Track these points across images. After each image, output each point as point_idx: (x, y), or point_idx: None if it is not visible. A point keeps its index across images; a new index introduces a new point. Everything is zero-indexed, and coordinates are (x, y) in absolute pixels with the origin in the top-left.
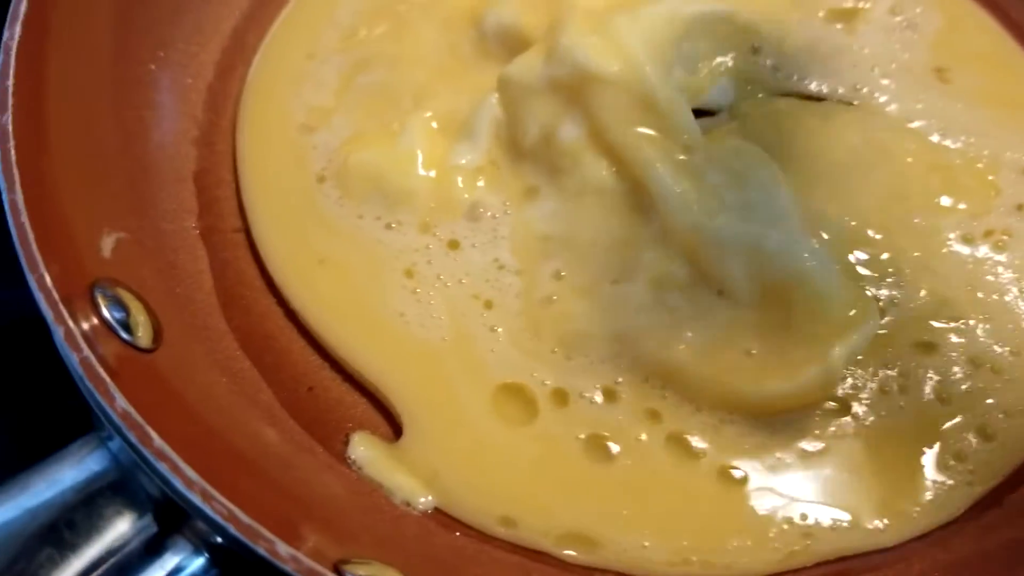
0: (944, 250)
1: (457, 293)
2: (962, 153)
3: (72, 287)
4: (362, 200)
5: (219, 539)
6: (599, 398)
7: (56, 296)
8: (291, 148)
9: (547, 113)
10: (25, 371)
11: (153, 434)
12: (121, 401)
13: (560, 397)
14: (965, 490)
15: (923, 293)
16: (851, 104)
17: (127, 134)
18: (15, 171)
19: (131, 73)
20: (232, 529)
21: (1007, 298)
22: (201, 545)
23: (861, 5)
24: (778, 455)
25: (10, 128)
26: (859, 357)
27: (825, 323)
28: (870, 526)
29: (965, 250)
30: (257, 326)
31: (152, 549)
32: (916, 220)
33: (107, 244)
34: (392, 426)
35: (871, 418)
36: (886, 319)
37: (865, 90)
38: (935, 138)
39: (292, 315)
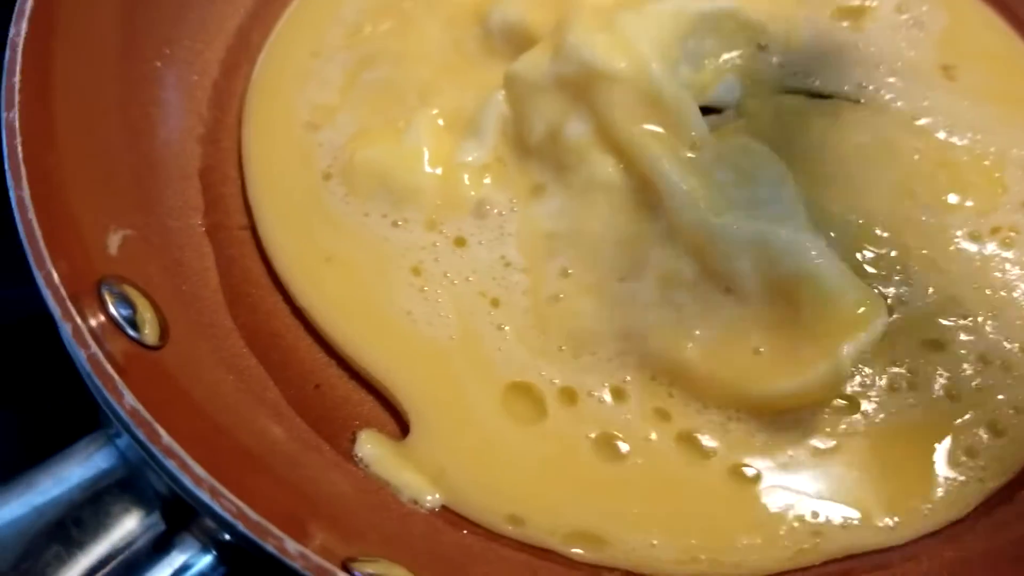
0: (952, 247)
1: (464, 291)
2: (969, 150)
3: (79, 284)
4: (368, 197)
5: (227, 536)
6: (608, 397)
7: (64, 293)
8: (296, 145)
9: (553, 110)
10: (32, 369)
11: (161, 431)
12: (129, 398)
13: (569, 396)
14: (976, 486)
15: (931, 291)
16: (858, 102)
17: (133, 131)
18: (22, 167)
19: (137, 70)
20: (241, 526)
21: (1015, 294)
22: (209, 543)
23: (868, 3)
24: (788, 453)
25: (17, 124)
26: (867, 355)
27: (833, 321)
28: (880, 524)
29: (972, 247)
30: (263, 324)
31: (160, 547)
32: (923, 218)
33: (113, 241)
34: (399, 424)
35: (881, 415)
36: (894, 317)
37: (871, 88)
38: (942, 135)
39: (298, 313)
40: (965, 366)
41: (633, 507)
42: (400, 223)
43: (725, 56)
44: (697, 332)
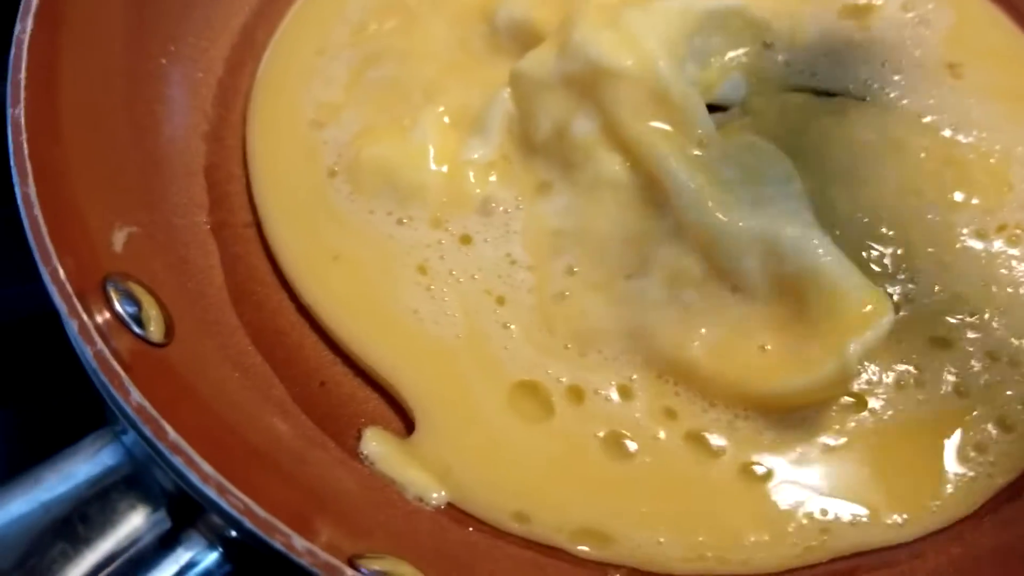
0: (958, 245)
1: (470, 289)
2: (975, 148)
3: (85, 281)
4: (373, 195)
5: (234, 533)
6: (615, 395)
7: (69, 289)
8: (301, 143)
9: (560, 108)
10: (37, 366)
11: (168, 428)
12: (136, 395)
13: (576, 394)
14: (985, 482)
15: (937, 288)
16: (863, 100)
17: (138, 128)
18: (28, 164)
19: (142, 67)
20: (248, 523)
21: (1022, 291)
22: (215, 540)
23: (874, 1)
24: (797, 451)
25: (23, 121)
26: (874, 353)
27: (840, 319)
28: (889, 521)
29: (979, 245)
30: (268, 321)
31: (166, 543)
32: (929, 215)
33: (118, 238)
34: (404, 421)
35: (889, 412)
36: (901, 314)
37: (877, 86)
38: (947, 133)
39: (303, 310)
40: (973, 363)
41: (641, 505)
42: (405, 221)
43: (731, 54)
44: (703, 330)
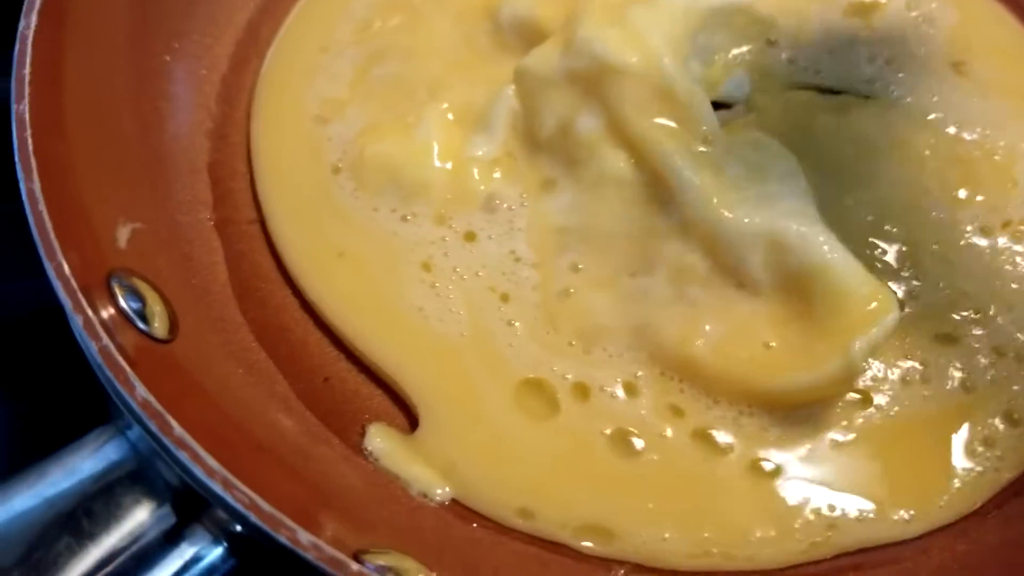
0: (963, 242)
1: (474, 286)
2: (979, 145)
3: (90, 276)
4: (377, 192)
5: (239, 528)
6: (620, 392)
7: (74, 285)
8: (306, 140)
9: (564, 105)
10: (41, 362)
11: (173, 422)
12: (141, 390)
13: (581, 391)
14: (993, 476)
15: (942, 285)
16: (867, 97)
17: (142, 125)
18: (32, 160)
19: (146, 64)
20: (253, 517)
21: None
22: (219, 535)
23: None
24: (804, 447)
25: (27, 116)
26: (879, 350)
27: (845, 316)
28: (895, 517)
29: (983, 242)
30: (272, 318)
31: (170, 538)
32: (934, 213)
33: (123, 234)
34: (408, 417)
35: (895, 408)
36: (906, 311)
37: (881, 83)
38: (952, 131)
39: (307, 307)
40: (979, 358)
41: (647, 502)
42: (409, 218)
43: (735, 51)
44: (708, 327)
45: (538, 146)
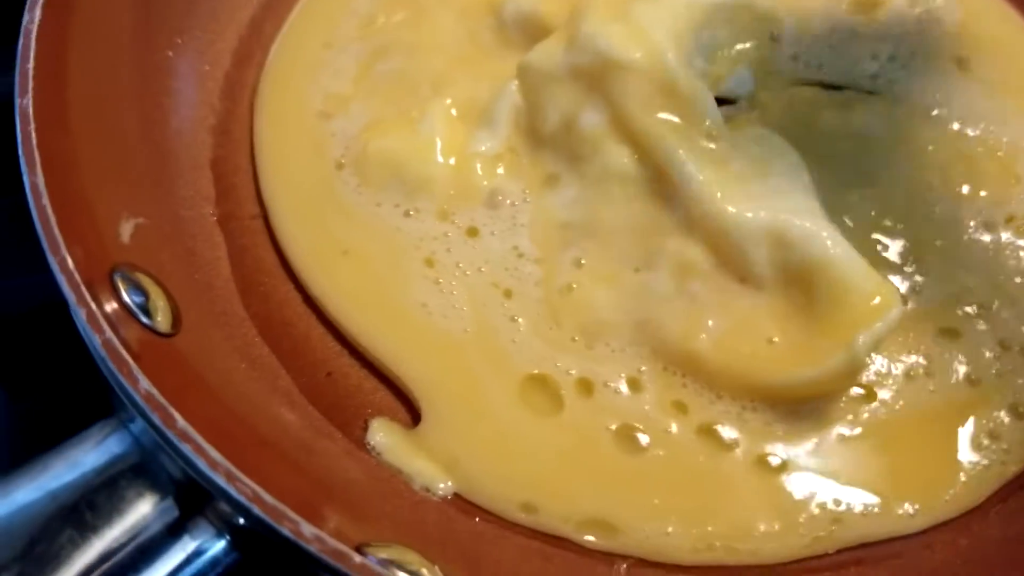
0: (966, 237)
1: (477, 282)
2: (982, 141)
3: (93, 270)
4: (380, 187)
5: (242, 521)
6: (624, 387)
7: (78, 278)
8: (309, 135)
9: (568, 100)
10: (45, 357)
11: (176, 415)
12: (144, 382)
13: (585, 387)
14: (999, 470)
15: (946, 280)
16: (871, 93)
17: (145, 120)
18: (36, 153)
19: (149, 59)
20: (257, 510)
21: None
22: (223, 528)
23: None
24: (808, 441)
25: (31, 111)
26: (882, 345)
27: (848, 311)
28: (900, 511)
29: (987, 237)
30: (275, 313)
31: (173, 531)
32: (937, 208)
33: (126, 229)
34: (411, 412)
35: (900, 403)
36: (909, 306)
37: (885, 79)
38: (955, 127)
39: (310, 302)
40: (984, 352)
41: (653, 497)
42: (412, 213)
43: (738, 47)
44: (711, 322)
45: (541, 142)
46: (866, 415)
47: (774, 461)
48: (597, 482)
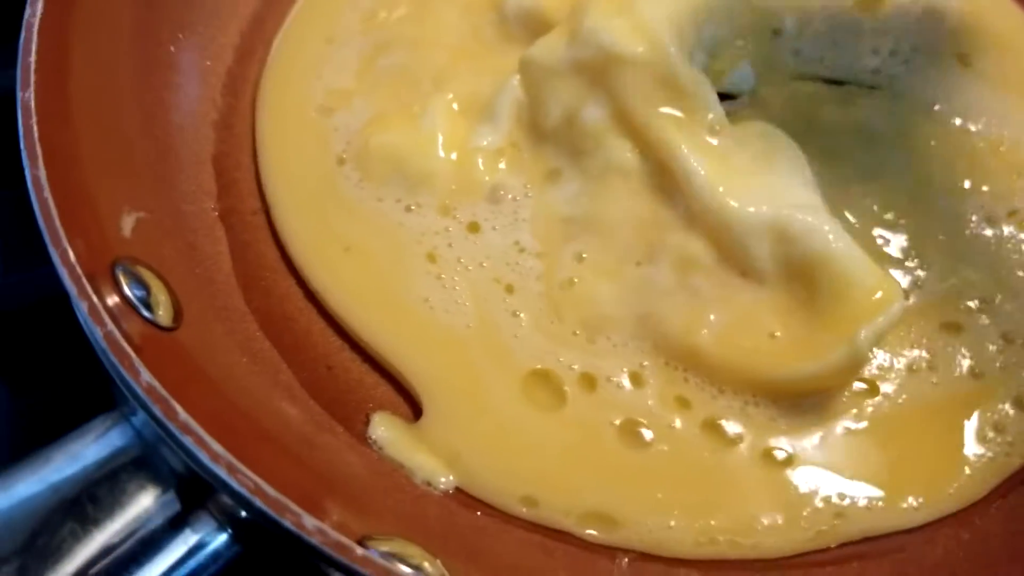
0: (968, 231)
1: (478, 277)
2: (984, 136)
3: (95, 263)
4: (382, 182)
5: (244, 513)
6: (627, 382)
7: (80, 271)
8: (311, 130)
9: (570, 95)
10: (46, 351)
11: (178, 408)
12: (146, 375)
13: (588, 382)
14: (1004, 462)
15: (948, 274)
16: (873, 88)
17: (147, 115)
18: (38, 146)
19: (151, 54)
20: (259, 502)
21: None
22: (224, 521)
23: None
24: (813, 436)
25: (33, 104)
26: (884, 339)
27: (850, 305)
28: (904, 505)
29: (989, 231)
30: (276, 307)
31: (175, 525)
32: (939, 203)
33: (127, 223)
34: (412, 406)
35: (903, 396)
36: (911, 301)
37: (887, 74)
38: (957, 122)
39: (311, 297)
40: (988, 345)
41: (656, 492)
42: (414, 208)
43: (739, 42)
44: (712, 317)
45: (543, 136)
46: (870, 409)
47: (780, 455)
48: (600, 476)
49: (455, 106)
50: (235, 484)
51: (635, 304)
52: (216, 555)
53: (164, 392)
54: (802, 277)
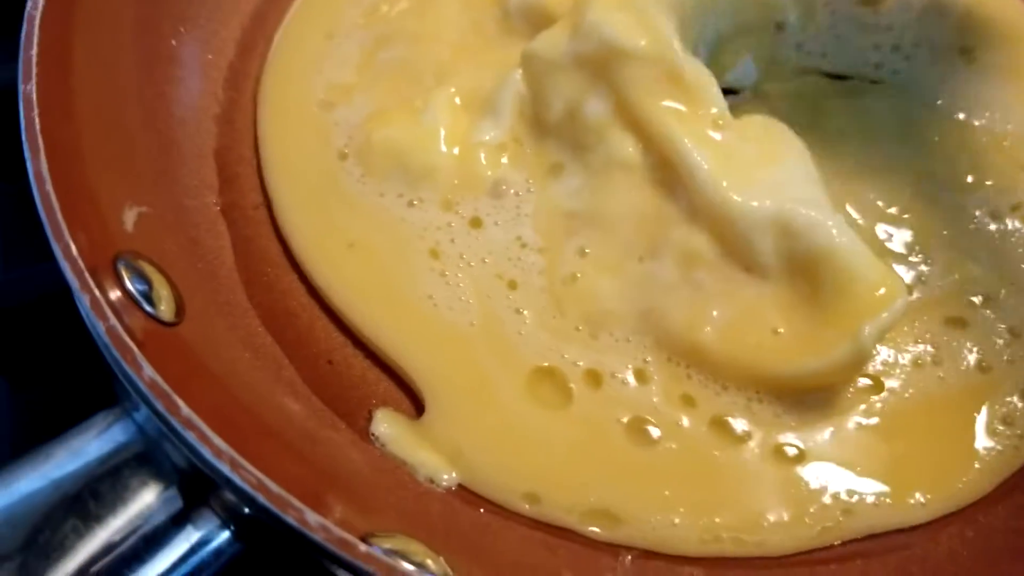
0: (971, 226)
1: (481, 273)
2: (988, 131)
3: (97, 257)
4: (384, 177)
5: (246, 510)
6: (631, 379)
7: (82, 265)
8: (312, 125)
9: (572, 89)
10: (48, 346)
11: (181, 403)
12: (148, 370)
13: (593, 378)
14: (1013, 455)
15: (951, 269)
16: (876, 83)
17: (149, 109)
18: (39, 140)
19: (153, 47)
20: (261, 498)
21: None
22: (227, 518)
23: None
24: (819, 432)
25: (35, 97)
26: (888, 334)
27: (854, 301)
28: (911, 501)
29: (993, 226)
30: (279, 302)
31: (177, 521)
32: (943, 198)
33: (129, 217)
34: (414, 403)
35: (909, 391)
36: (915, 296)
37: (890, 69)
38: (960, 116)
39: (313, 292)
40: (994, 339)
41: (664, 489)
42: (416, 203)
43: (743, 36)
44: (715, 312)
45: (545, 131)
46: (878, 404)
47: (791, 452)
48: (604, 473)
49: (457, 100)
50: (238, 480)
51: (638, 299)
52: (218, 552)
53: (166, 387)
54: (805, 272)
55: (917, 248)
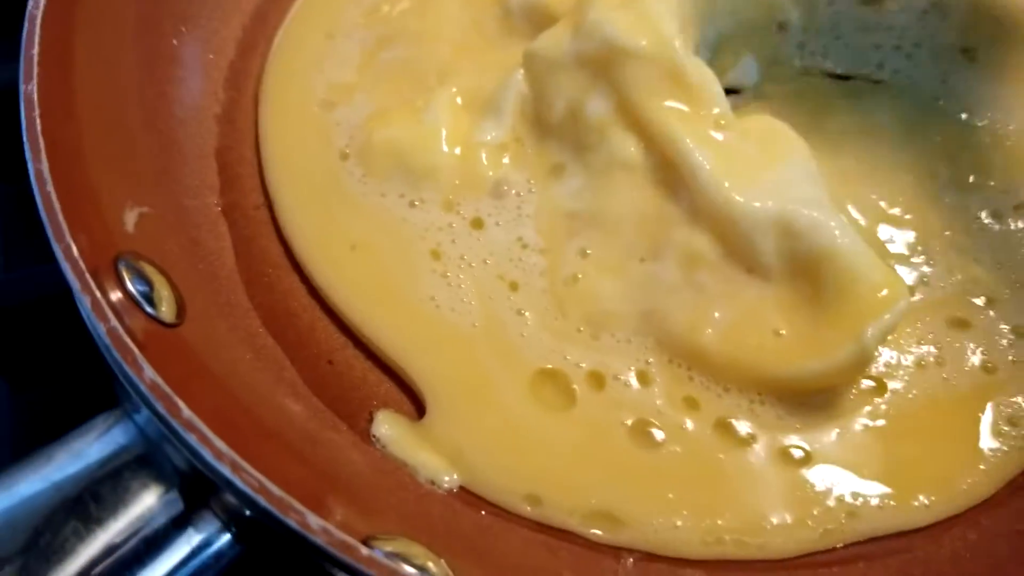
0: (974, 226)
1: (483, 274)
2: (990, 131)
3: (98, 258)
4: (385, 178)
5: (247, 512)
6: (634, 381)
7: (83, 266)
8: (313, 125)
9: (574, 88)
10: (48, 348)
11: (182, 405)
12: (149, 372)
13: (596, 380)
14: (1018, 455)
15: (954, 270)
16: (877, 83)
17: (150, 109)
18: (40, 140)
19: (154, 47)
20: (262, 501)
21: None
22: (228, 520)
23: None
24: (823, 434)
25: (36, 97)
26: (891, 336)
27: (856, 302)
28: (915, 503)
29: (996, 226)
30: (280, 303)
31: (178, 524)
32: (945, 198)
33: (130, 218)
34: (415, 404)
35: (913, 392)
36: (917, 297)
37: (892, 69)
38: (962, 116)
39: (315, 293)
40: (998, 340)
41: (667, 492)
42: (417, 203)
43: (745, 36)
44: (717, 314)
45: (547, 131)
46: (882, 406)
47: (797, 454)
48: (606, 476)
49: (458, 100)
50: (239, 482)
51: (639, 300)
52: (219, 555)
53: (167, 389)
54: (807, 273)
55: (919, 249)
